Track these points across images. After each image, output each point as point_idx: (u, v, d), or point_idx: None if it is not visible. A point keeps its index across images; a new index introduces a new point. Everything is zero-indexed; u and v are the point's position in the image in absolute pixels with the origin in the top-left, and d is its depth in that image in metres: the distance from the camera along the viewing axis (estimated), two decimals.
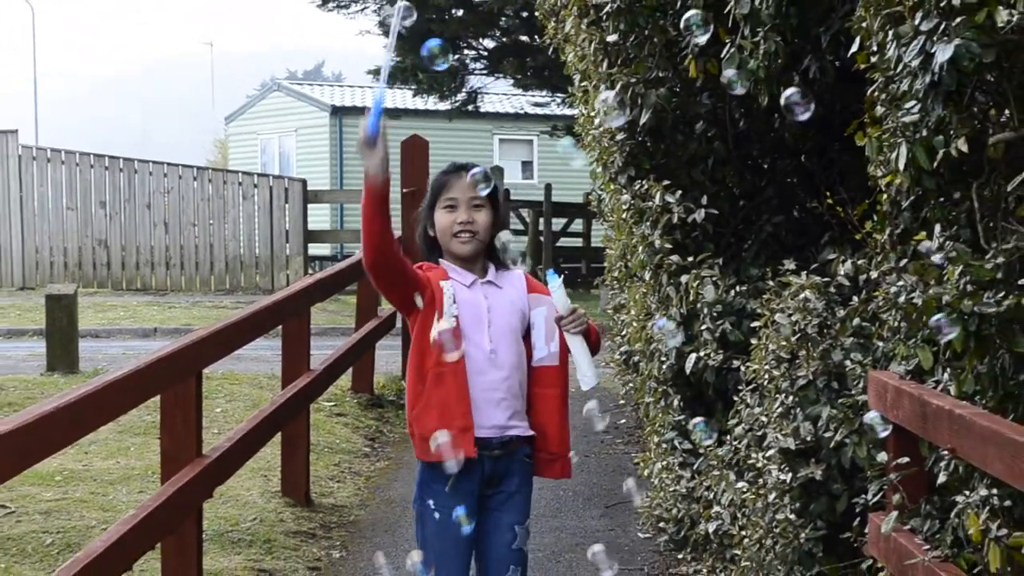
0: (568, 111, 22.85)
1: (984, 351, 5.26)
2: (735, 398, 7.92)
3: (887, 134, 5.73)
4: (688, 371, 8.54)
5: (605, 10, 9.19)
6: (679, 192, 8.89)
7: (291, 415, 9.40)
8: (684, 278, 8.60)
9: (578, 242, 28.70)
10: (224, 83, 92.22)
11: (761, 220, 9.22)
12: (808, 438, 6.71)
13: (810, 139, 9.02)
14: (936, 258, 5.34)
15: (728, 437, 7.97)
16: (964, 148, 5.28)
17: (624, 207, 9.69)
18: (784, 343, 7.04)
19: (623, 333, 12.38)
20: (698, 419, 7.02)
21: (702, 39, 6.61)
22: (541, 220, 27.05)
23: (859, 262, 7.04)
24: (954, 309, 5.23)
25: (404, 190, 14.69)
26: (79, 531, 8.47)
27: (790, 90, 5.63)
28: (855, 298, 6.92)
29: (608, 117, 7.69)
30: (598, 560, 5.32)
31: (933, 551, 5.53)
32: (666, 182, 9.00)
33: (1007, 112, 5.24)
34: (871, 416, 5.13)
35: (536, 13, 13.67)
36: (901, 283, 5.66)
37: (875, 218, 6.30)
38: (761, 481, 7.12)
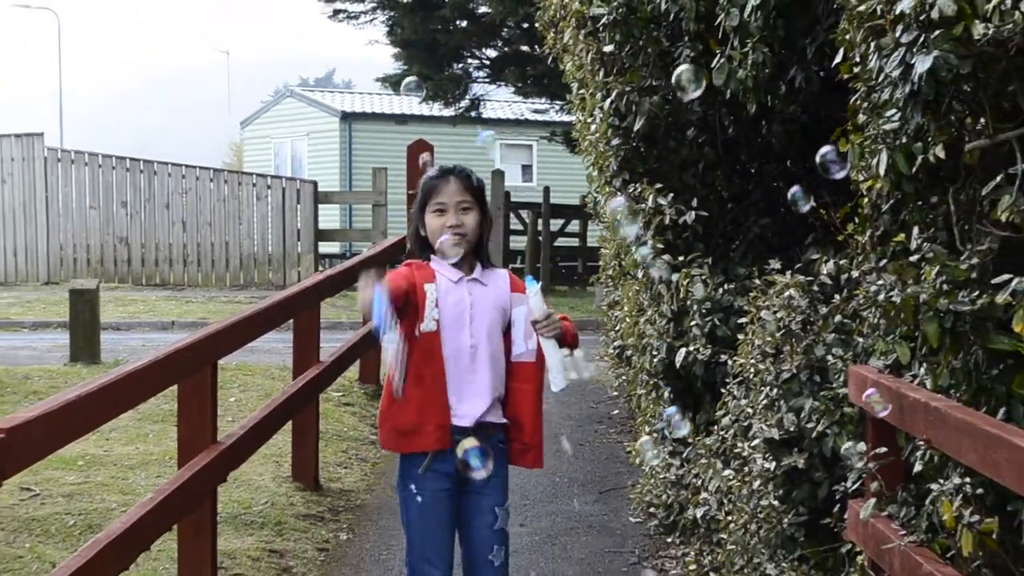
0: (566, 117, 22.83)
1: (959, 347, 5.26)
2: (722, 390, 7.92)
3: (869, 141, 5.72)
4: (678, 365, 8.54)
5: (602, 22, 9.19)
6: (671, 195, 8.90)
7: (301, 404, 9.40)
8: (675, 276, 8.60)
9: (575, 242, 28.67)
10: (240, 90, 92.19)
11: (748, 222, 9.23)
12: (791, 429, 6.71)
13: (795, 145, 9.02)
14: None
15: (715, 427, 7.98)
16: (941, 154, 5.28)
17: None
18: (769, 338, 7.04)
19: (617, 328, 12.38)
20: (672, 409, 7.00)
21: (694, 95, 6.59)
22: (540, 221, 27.04)
23: (841, 262, 7.04)
24: (931, 307, 5.23)
25: (410, 192, 14.69)
26: (100, 513, 8.48)
27: (825, 148, 5.49)
28: (837, 296, 6.92)
29: (623, 225, 7.63)
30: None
31: (909, 536, 5.54)
32: (658, 185, 9.01)
33: (982, 120, 5.24)
34: (869, 393, 5.06)
35: (536, 24, 13.67)
36: (881, 282, 5.67)
37: (856, 220, 6.30)
38: (746, 469, 7.12)
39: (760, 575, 6.93)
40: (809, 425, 6.65)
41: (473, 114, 27.99)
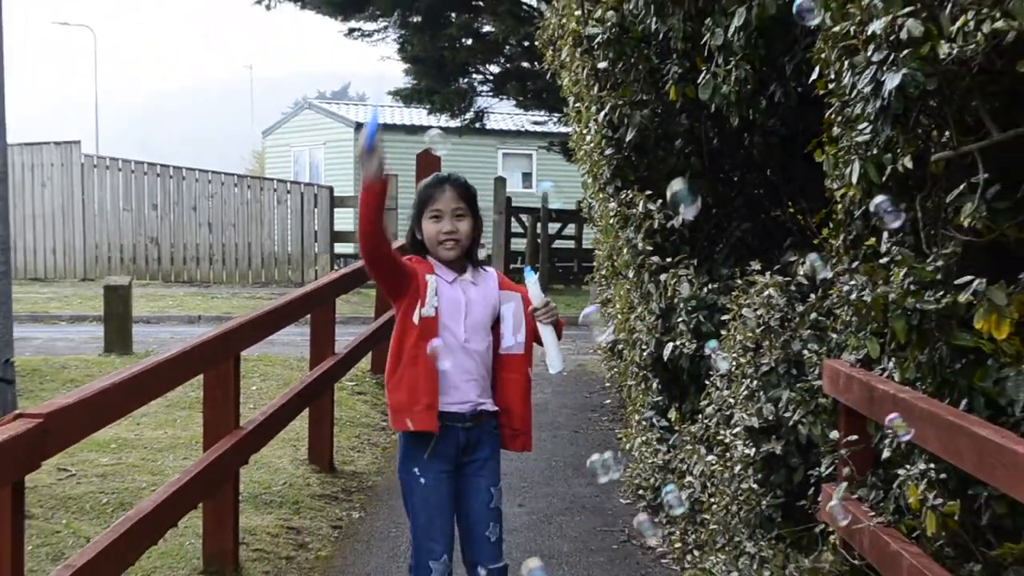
0: (563, 129, 22.81)
1: (925, 343, 5.26)
2: (706, 382, 7.93)
3: (842, 152, 5.73)
4: (665, 358, 8.55)
5: (596, 40, 9.20)
6: (660, 201, 8.89)
7: (317, 393, 9.41)
8: (663, 276, 8.61)
9: (571, 244, 28.64)
10: (262, 102, 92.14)
11: (731, 226, 9.23)
12: (770, 417, 6.72)
13: (775, 156, 9.02)
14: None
15: (700, 416, 7.98)
16: (909, 164, 5.29)
17: (611, 213, 9.69)
18: (750, 334, 7.04)
19: (609, 324, 12.38)
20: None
21: (689, 215, 6.59)
22: (539, 225, 27.07)
23: (816, 264, 7.04)
24: (899, 306, 5.24)
25: None
26: (131, 492, 8.48)
27: (880, 198, 5.24)
28: (812, 295, 6.93)
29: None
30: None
31: (878, 517, 5.54)
32: (648, 192, 9.01)
33: (947, 133, 5.24)
34: (892, 418, 4.82)
35: (536, 43, 13.68)
36: (853, 282, 5.67)
37: (831, 225, 6.30)
38: (728, 455, 7.12)
39: (740, 553, 6.93)
40: (786, 414, 6.65)
41: (477, 125, 27.98)
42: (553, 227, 27.83)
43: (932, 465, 5.13)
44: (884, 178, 5.45)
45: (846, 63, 5.55)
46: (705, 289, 8.41)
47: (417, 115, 36.79)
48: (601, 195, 10.51)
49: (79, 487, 8.67)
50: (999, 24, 4.61)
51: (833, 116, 5.88)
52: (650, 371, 9.17)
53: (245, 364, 9.40)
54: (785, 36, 7.89)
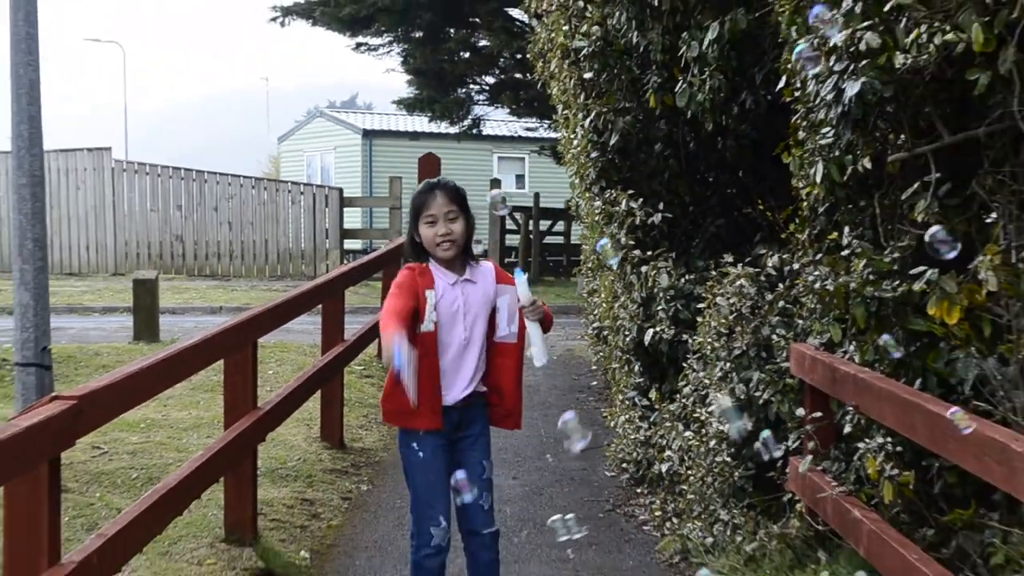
0: (553, 134, 22.79)
1: (882, 328, 5.28)
2: (684, 364, 7.94)
3: (807, 154, 5.74)
4: (646, 343, 8.56)
5: (582, 53, 9.20)
6: (641, 199, 8.91)
7: (328, 376, 9.41)
8: (644, 268, 8.61)
9: (560, 239, 28.61)
10: (277, 110, 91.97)
11: (706, 222, 9.24)
12: (742, 396, 6.73)
13: (746, 158, 9.03)
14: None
15: (678, 396, 7.99)
16: (868, 165, 5.30)
17: (596, 211, 9.69)
18: (723, 320, 7.05)
19: (595, 312, 12.39)
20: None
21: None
22: (531, 222, 27.07)
23: (784, 256, 7.05)
24: (859, 294, 5.25)
25: None
26: (159, 467, 8.48)
27: (934, 228, 4.71)
28: (780, 285, 6.94)
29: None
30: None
31: (840, 487, 5.56)
32: (630, 191, 9.01)
33: (903, 136, 5.25)
34: (953, 412, 4.21)
35: (528, 55, 13.67)
36: (817, 273, 5.68)
37: (797, 221, 6.32)
38: (704, 431, 7.13)
39: (715, 520, 6.95)
40: (757, 394, 6.67)
41: (474, 131, 27.95)
42: (544, 224, 27.82)
43: (889, 439, 5.14)
44: (845, 178, 5.46)
45: (810, 72, 5.56)
46: (682, 280, 8.42)
47: (420, 122, 36.77)
48: (587, 194, 10.51)
49: (111, 463, 8.67)
50: (949, 36, 4.62)
51: (799, 121, 5.89)
52: (632, 355, 9.18)
53: (262, 350, 9.39)
54: (755, 48, 7.90)
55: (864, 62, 5.00)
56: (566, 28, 9.59)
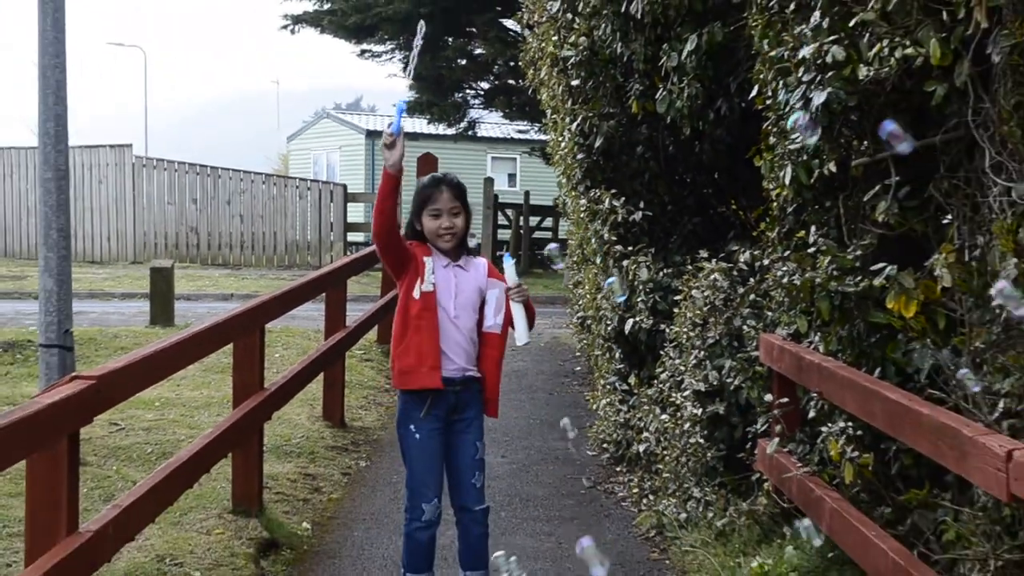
0: (543, 136, 22.77)
1: (845, 320, 5.29)
2: (661, 352, 7.95)
3: (777, 158, 5.74)
4: (626, 332, 8.57)
5: (570, 62, 9.19)
6: (623, 198, 8.92)
7: (331, 360, 9.41)
8: (625, 262, 8.62)
9: (549, 235, 28.55)
10: (286, 112, 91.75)
11: (683, 220, 9.25)
12: (714, 383, 6.75)
13: (721, 161, 9.04)
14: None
15: (655, 381, 8.00)
16: (833, 169, 5.30)
17: (582, 209, 9.70)
18: (698, 311, 7.06)
19: (579, 303, 12.40)
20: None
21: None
22: (522, 218, 27.08)
23: (755, 253, 7.06)
24: (823, 288, 5.26)
25: None
26: (172, 443, 8.48)
27: (1001, 283, 4.05)
28: (751, 279, 6.95)
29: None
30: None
31: (804, 467, 5.57)
32: (613, 191, 9.02)
33: (865, 142, 5.25)
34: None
35: (520, 63, 13.65)
36: (785, 269, 5.69)
37: (767, 220, 6.32)
38: (679, 414, 7.14)
39: (688, 497, 6.96)
40: (728, 380, 6.68)
41: (470, 133, 27.97)
42: (534, 220, 27.83)
43: (850, 423, 5.16)
44: (812, 180, 5.46)
45: (781, 82, 5.56)
46: (661, 273, 8.43)
47: (419, 124, 36.73)
48: (573, 193, 10.52)
49: (127, 439, 8.67)
50: (909, 51, 4.63)
51: (770, 127, 5.90)
52: (614, 343, 9.18)
53: (269, 335, 9.38)
54: (730, 59, 7.90)
55: (830, 73, 5.01)
56: (555, 38, 9.58)
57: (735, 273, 7.15)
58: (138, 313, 16.92)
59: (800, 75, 5.23)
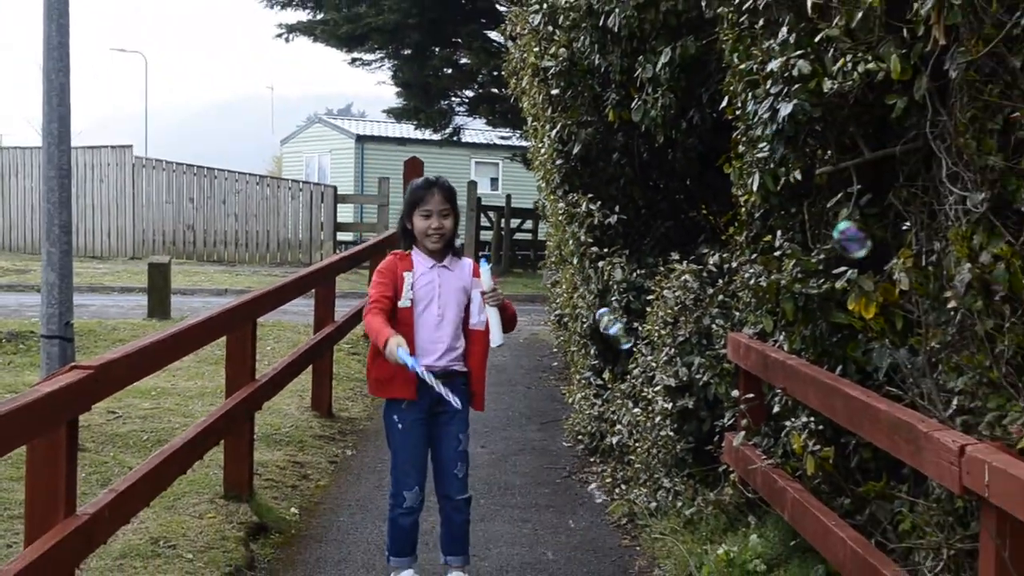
0: (524, 143, 22.77)
1: (808, 320, 5.30)
2: (634, 349, 7.95)
3: (746, 165, 5.75)
4: (601, 330, 8.57)
5: (550, 72, 9.19)
6: (599, 202, 8.91)
7: (320, 353, 9.39)
8: (601, 263, 8.62)
9: (529, 236, 28.58)
10: (280, 116, 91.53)
11: (656, 224, 9.25)
12: (684, 379, 6.75)
13: (693, 168, 9.04)
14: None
15: (628, 376, 8.00)
16: (799, 177, 5.31)
17: (560, 212, 9.70)
18: (669, 311, 7.07)
19: (557, 301, 12.41)
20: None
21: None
22: (503, 220, 27.07)
23: (724, 255, 7.07)
24: (788, 290, 5.27)
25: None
26: (167, 431, 8.45)
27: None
28: (720, 281, 6.96)
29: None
30: None
31: (768, 460, 5.59)
32: (590, 195, 9.02)
33: (829, 152, 5.27)
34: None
35: (503, 72, 13.65)
36: (752, 271, 5.70)
37: (736, 225, 6.33)
38: (650, 408, 7.15)
39: (659, 487, 6.97)
40: (697, 376, 6.69)
41: (455, 139, 28.02)
42: (515, 222, 27.83)
43: (812, 418, 5.17)
44: (779, 187, 5.47)
45: (750, 94, 5.57)
46: (634, 274, 8.43)
47: (406, 129, 36.70)
48: (552, 197, 10.51)
49: (124, 426, 8.63)
50: (871, 66, 4.64)
51: (739, 137, 5.90)
52: (589, 340, 9.19)
53: (261, 329, 9.36)
54: (702, 71, 7.91)
55: (796, 86, 5.01)
56: (536, 49, 9.57)
57: (705, 275, 7.15)
58: (136, 306, 16.85)
59: (768, 87, 5.24)
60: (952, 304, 4.21)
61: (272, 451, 8.33)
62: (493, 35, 22.77)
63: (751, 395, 5.93)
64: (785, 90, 5.09)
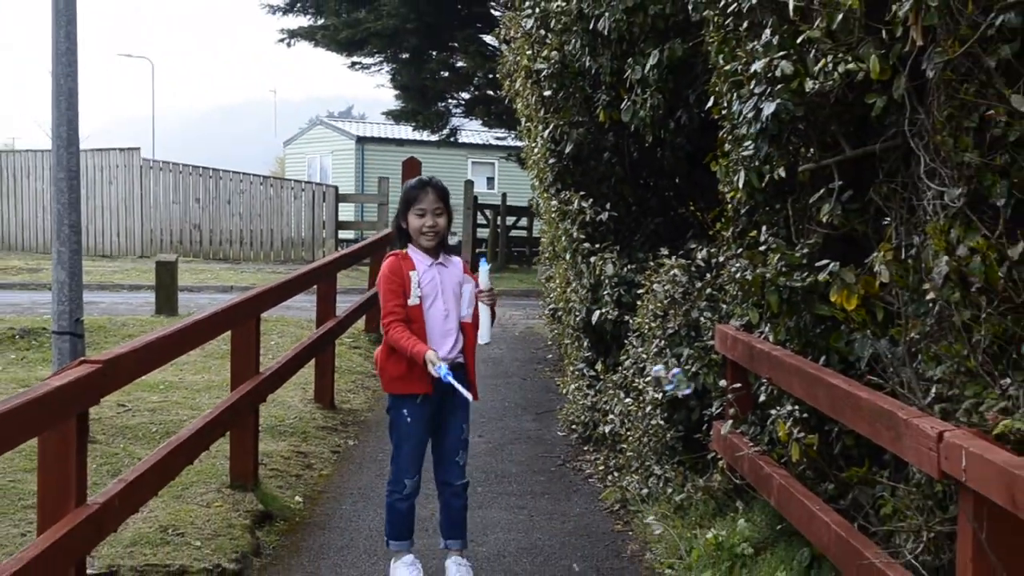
0: (518, 143, 22.76)
1: (792, 312, 5.30)
2: (625, 341, 7.96)
3: (732, 163, 5.75)
4: (593, 323, 8.58)
5: (543, 74, 9.19)
6: (591, 200, 8.92)
7: (322, 347, 9.39)
8: (592, 259, 8.63)
9: (524, 233, 28.58)
10: (283, 118, 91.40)
11: (646, 220, 9.25)
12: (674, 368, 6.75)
13: (681, 167, 9.05)
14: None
15: (620, 368, 8.01)
16: (782, 174, 5.31)
17: (553, 209, 9.70)
18: (659, 304, 7.07)
19: (551, 296, 12.41)
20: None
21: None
22: (499, 218, 27.06)
23: (711, 250, 7.07)
24: (773, 283, 5.27)
25: None
26: (174, 423, 8.45)
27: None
28: (708, 275, 6.96)
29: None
30: None
31: (755, 447, 5.59)
32: (582, 193, 9.02)
33: (811, 150, 5.27)
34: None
35: (497, 75, 13.65)
36: (738, 265, 5.70)
37: (722, 220, 6.33)
38: (641, 398, 7.15)
39: (650, 474, 6.97)
40: (687, 367, 6.69)
41: (452, 139, 27.98)
42: (511, 220, 27.83)
43: (797, 407, 5.17)
44: (763, 184, 5.47)
45: (735, 94, 5.57)
46: (625, 269, 8.43)
47: (405, 131, 36.70)
48: (546, 195, 10.52)
49: (133, 419, 8.63)
50: (851, 66, 4.64)
51: (725, 135, 5.90)
52: (582, 332, 9.19)
53: (265, 324, 9.37)
54: (689, 73, 7.91)
55: (779, 86, 5.01)
56: (529, 53, 9.57)
57: (693, 269, 7.16)
58: (144, 303, 16.84)
59: (752, 87, 5.24)
60: (931, 296, 4.21)
61: (277, 442, 8.33)
62: (488, 39, 22.72)
63: (738, 385, 5.93)
64: (768, 90, 5.09)
